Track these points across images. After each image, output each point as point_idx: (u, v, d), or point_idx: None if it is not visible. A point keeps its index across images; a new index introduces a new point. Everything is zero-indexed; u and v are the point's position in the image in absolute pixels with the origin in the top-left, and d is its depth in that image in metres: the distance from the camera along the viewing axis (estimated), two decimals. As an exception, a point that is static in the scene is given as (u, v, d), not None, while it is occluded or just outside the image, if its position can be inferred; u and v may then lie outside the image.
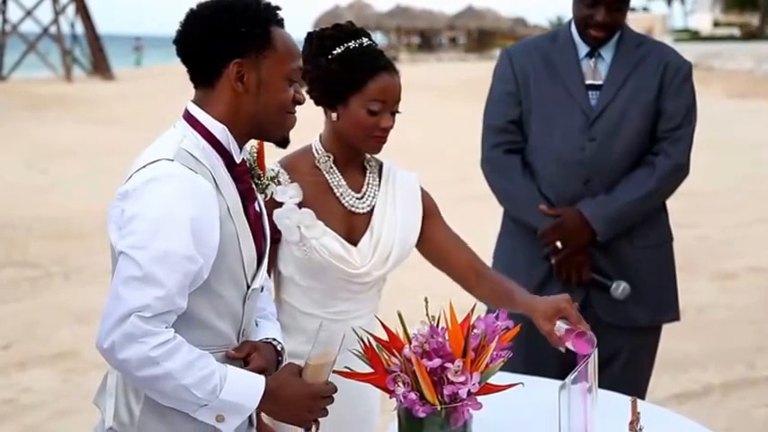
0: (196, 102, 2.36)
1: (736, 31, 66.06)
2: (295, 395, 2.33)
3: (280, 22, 2.36)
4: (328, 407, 2.35)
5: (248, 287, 2.40)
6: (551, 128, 3.79)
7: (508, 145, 3.87)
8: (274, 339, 2.50)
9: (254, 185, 2.46)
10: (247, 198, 2.40)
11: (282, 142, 2.45)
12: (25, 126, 21.02)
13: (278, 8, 2.41)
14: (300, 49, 2.47)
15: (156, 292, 2.17)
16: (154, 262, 2.17)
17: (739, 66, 36.84)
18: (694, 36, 66.73)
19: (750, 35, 60.52)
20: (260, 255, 2.43)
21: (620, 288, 3.72)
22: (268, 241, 2.50)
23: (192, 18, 2.34)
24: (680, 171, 3.81)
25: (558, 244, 3.74)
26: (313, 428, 2.39)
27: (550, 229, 3.75)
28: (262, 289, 2.50)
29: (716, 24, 77.84)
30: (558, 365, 3.43)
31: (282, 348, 2.51)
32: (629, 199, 3.71)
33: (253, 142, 2.49)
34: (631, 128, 3.74)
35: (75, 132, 19.80)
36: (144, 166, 2.24)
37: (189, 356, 2.20)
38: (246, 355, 2.39)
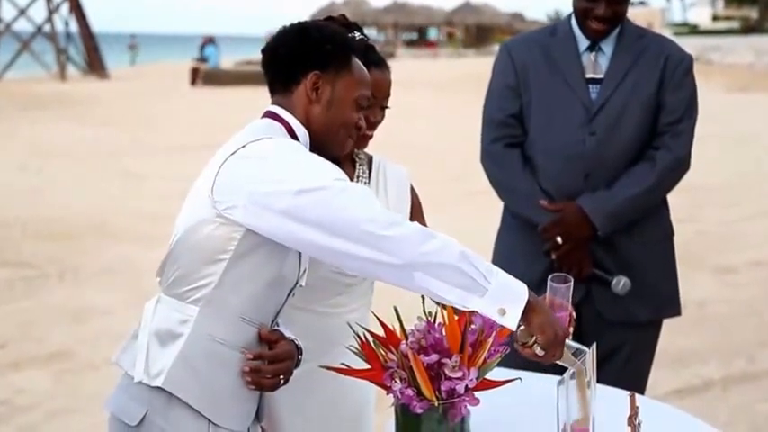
0: (276, 105, 2.52)
1: (735, 25, 66.23)
2: (548, 310, 2.33)
3: (359, 54, 2.56)
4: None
5: (296, 283, 2.50)
6: (551, 122, 3.78)
7: (508, 139, 3.85)
8: (296, 339, 2.55)
9: None
10: None
11: (335, 161, 2.51)
12: (19, 126, 21.08)
13: (364, 48, 2.71)
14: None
15: (357, 189, 2.24)
16: (335, 179, 2.24)
17: (739, 59, 36.92)
18: (693, 30, 67.00)
19: (749, 29, 60.68)
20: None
21: (620, 283, 3.70)
22: None
23: (285, 31, 2.54)
24: (681, 165, 3.79)
25: (559, 239, 3.72)
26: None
27: (551, 225, 3.73)
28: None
29: (715, 18, 78.10)
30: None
31: (302, 349, 2.55)
32: (629, 194, 3.69)
33: None
34: (632, 122, 3.73)
35: (69, 132, 19.85)
36: (260, 139, 2.34)
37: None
38: (275, 341, 2.45)
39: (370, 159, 2.96)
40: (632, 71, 3.74)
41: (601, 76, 3.77)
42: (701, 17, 79.96)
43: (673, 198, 3.90)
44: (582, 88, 3.75)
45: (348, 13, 2.99)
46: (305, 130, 2.47)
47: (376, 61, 2.80)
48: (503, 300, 2.21)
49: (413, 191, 2.99)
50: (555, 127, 3.76)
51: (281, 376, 2.45)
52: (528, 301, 2.23)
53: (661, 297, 3.86)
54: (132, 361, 2.42)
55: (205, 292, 2.35)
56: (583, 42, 3.80)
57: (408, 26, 69.71)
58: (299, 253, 2.43)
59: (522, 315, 2.23)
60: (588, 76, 3.77)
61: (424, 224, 2.96)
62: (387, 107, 2.85)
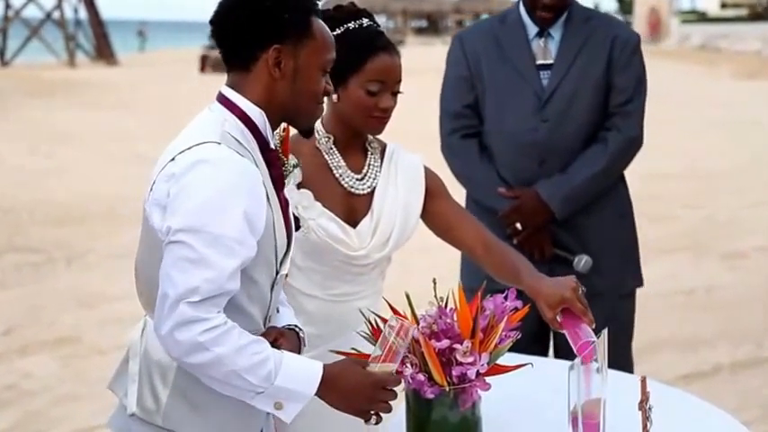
0: (230, 86, 2.35)
1: (743, 12, 66.01)
2: (354, 383, 2.27)
3: (318, 13, 2.37)
4: None
5: (277, 273, 2.40)
6: (504, 110, 3.82)
7: (465, 130, 3.89)
8: (296, 326, 2.50)
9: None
10: (278, 184, 2.40)
11: (308, 131, 2.45)
12: (29, 111, 21.17)
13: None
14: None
15: (206, 273, 2.15)
16: (207, 245, 2.16)
17: (747, 47, 36.87)
18: (702, 17, 66.76)
19: (757, 16, 60.43)
20: (289, 241, 2.43)
21: (581, 262, 3.75)
22: (293, 227, 2.49)
23: (234, 0, 2.34)
24: (632, 144, 3.83)
25: (518, 225, 3.77)
26: (373, 420, 2.31)
27: (509, 211, 3.78)
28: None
29: (723, 5, 77.82)
30: (532, 341, 3.59)
31: (304, 335, 2.50)
32: (583, 177, 3.74)
33: (279, 128, 2.51)
34: (583, 106, 3.77)
35: (78, 117, 19.95)
36: (189, 148, 2.22)
37: (240, 342, 2.18)
38: (274, 340, 2.36)
39: (383, 148, 2.94)
40: (581, 54, 3.78)
41: (551, 61, 3.80)
42: (710, 4, 79.64)
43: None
44: (533, 75, 3.79)
45: (357, 0, 2.95)
46: (259, 111, 2.32)
47: (385, 46, 2.77)
48: (280, 397, 2.22)
49: (431, 175, 2.96)
50: (508, 115, 3.80)
51: None
52: (318, 390, 2.23)
53: (620, 272, 3.89)
54: (125, 389, 2.39)
55: None
56: (532, 29, 3.83)
57: (417, 13, 69.67)
58: (271, 251, 2.34)
59: (322, 397, 2.25)
60: (539, 62, 3.81)
61: (449, 199, 2.96)
62: (399, 92, 2.81)
